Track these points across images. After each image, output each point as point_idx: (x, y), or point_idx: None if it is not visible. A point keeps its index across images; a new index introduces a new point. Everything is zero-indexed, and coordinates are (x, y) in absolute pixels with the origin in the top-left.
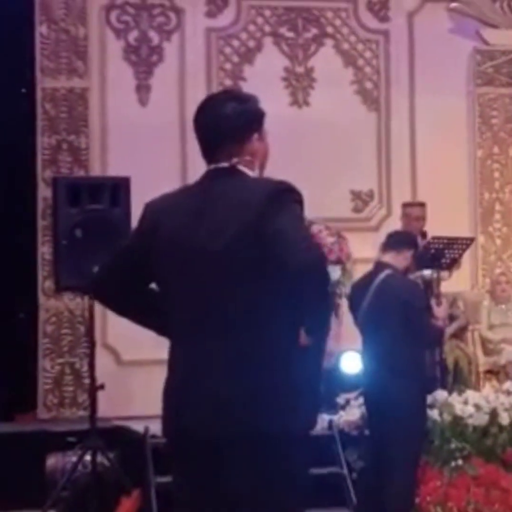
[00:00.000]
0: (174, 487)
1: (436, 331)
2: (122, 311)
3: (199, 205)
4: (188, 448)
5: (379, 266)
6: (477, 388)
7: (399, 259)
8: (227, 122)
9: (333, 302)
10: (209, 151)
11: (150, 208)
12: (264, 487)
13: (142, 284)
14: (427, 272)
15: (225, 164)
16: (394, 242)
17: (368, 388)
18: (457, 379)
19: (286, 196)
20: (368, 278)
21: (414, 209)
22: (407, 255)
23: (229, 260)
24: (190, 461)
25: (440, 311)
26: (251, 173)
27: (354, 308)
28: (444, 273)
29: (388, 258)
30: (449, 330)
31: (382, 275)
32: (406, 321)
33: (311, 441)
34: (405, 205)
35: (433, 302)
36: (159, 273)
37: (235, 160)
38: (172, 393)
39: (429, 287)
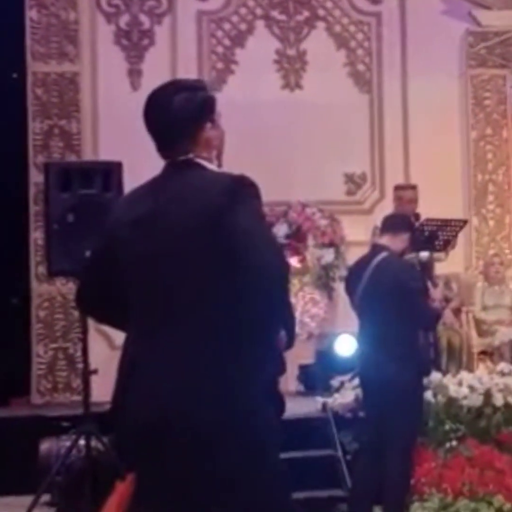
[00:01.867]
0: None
1: (433, 313)
2: (109, 321)
3: (157, 203)
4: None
5: (376, 248)
6: (471, 369)
7: (396, 242)
8: (176, 118)
9: (291, 309)
10: (163, 146)
11: (113, 212)
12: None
13: (116, 291)
14: (423, 254)
15: (181, 158)
16: (390, 224)
17: (364, 370)
18: (450, 360)
19: (245, 191)
20: (365, 260)
21: (406, 192)
22: (404, 238)
23: (186, 256)
24: (144, 453)
25: (436, 292)
26: (209, 165)
27: (350, 290)
28: (440, 255)
29: (385, 240)
30: (447, 312)
31: (378, 258)
32: (403, 303)
33: (277, 430)
34: (397, 188)
35: (429, 284)
36: (123, 274)
37: (191, 154)
38: (121, 385)
39: (426, 269)
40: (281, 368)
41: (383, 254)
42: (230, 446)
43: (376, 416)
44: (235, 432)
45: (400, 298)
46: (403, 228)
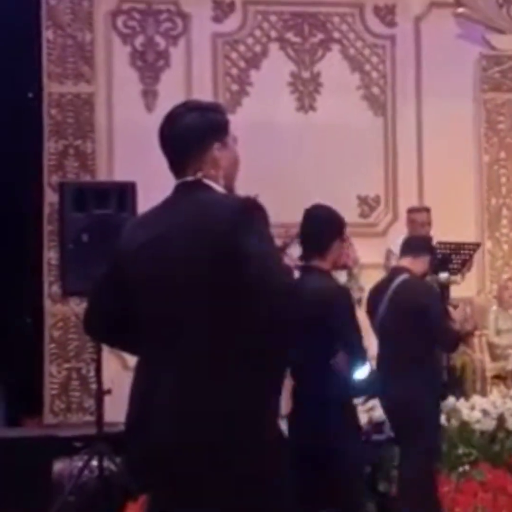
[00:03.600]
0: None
1: (454, 335)
2: (119, 346)
3: (165, 227)
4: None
5: (396, 270)
6: (484, 393)
7: (417, 264)
8: (185, 134)
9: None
10: (174, 165)
11: (123, 236)
12: None
13: (125, 316)
14: (443, 275)
15: (190, 178)
16: (411, 247)
17: (385, 392)
18: (459, 384)
19: (252, 215)
20: (385, 282)
21: (420, 215)
22: (425, 260)
23: (195, 280)
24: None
25: (457, 313)
26: (217, 187)
27: (371, 312)
28: (456, 278)
29: (406, 262)
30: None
31: (399, 279)
32: (425, 325)
33: (284, 447)
34: (411, 211)
35: (449, 306)
36: (132, 299)
37: (200, 174)
38: (135, 408)
39: (445, 290)
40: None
41: (404, 276)
42: (242, 470)
43: (397, 440)
44: (246, 455)
45: (422, 320)
46: (424, 250)
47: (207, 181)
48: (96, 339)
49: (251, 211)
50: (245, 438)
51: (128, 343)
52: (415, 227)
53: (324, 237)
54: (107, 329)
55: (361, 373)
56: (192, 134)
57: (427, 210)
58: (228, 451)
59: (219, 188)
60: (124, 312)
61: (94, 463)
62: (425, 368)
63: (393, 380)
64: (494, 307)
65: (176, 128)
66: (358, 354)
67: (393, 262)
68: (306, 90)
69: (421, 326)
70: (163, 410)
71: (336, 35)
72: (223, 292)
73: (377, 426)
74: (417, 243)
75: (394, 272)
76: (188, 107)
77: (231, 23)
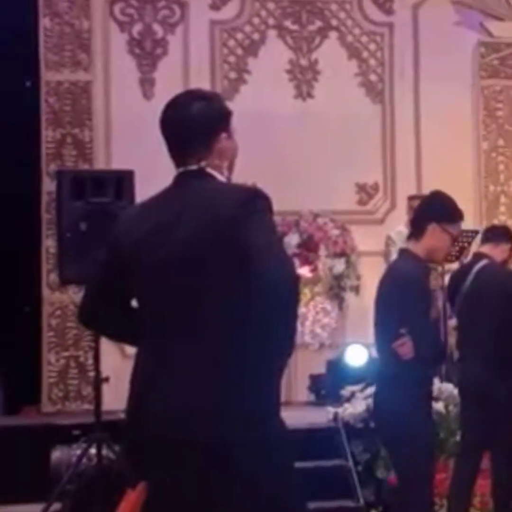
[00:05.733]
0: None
1: None
2: (115, 336)
3: (168, 215)
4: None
5: (477, 256)
6: None
7: (497, 252)
8: (193, 123)
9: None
10: (177, 154)
11: (120, 224)
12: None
13: (125, 304)
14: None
15: (193, 167)
16: (492, 235)
17: (464, 376)
18: None
19: (257, 204)
20: (466, 268)
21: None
22: (505, 248)
23: (198, 268)
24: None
25: None
26: (220, 176)
27: (451, 297)
28: (452, 265)
29: (486, 249)
30: None
31: (479, 265)
32: (509, 311)
33: (289, 441)
34: (411, 198)
35: None
36: (134, 287)
37: (203, 163)
38: (136, 399)
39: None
40: None
41: (484, 262)
42: (246, 456)
43: (476, 422)
44: (249, 441)
45: (506, 306)
46: (505, 238)
47: (210, 170)
48: (91, 328)
49: (257, 201)
50: (254, 424)
51: (124, 332)
52: None
53: (419, 222)
54: (103, 318)
55: None
56: (201, 123)
57: None
58: (234, 435)
59: (221, 177)
60: (121, 301)
61: (93, 451)
62: (506, 353)
63: (473, 364)
64: None
65: (183, 117)
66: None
67: (393, 250)
68: (304, 78)
69: (505, 311)
70: (167, 397)
71: (334, 22)
72: (227, 279)
73: None
74: (498, 231)
75: (475, 258)
76: (193, 96)
77: (229, 10)
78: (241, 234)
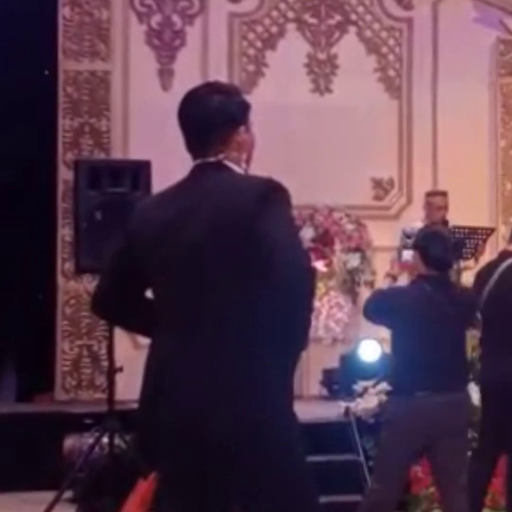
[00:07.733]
0: (164, 483)
1: None
2: (127, 326)
3: (186, 205)
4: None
5: (504, 254)
6: None
7: None
8: (213, 116)
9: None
10: (196, 146)
11: (137, 214)
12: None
13: (139, 294)
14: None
15: (212, 159)
16: None
17: (486, 372)
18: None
19: (276, 196)
20: (492, 265)
21: (437, 198)
22: None
23: (216, 259)
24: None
25: None
26: (238, 169)
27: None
28: (469, 263)
29: None
30: None
31: (506, 263)
32: None
33: (300, 432)
34: (428, 194)
35: None
36: (149, 278)
37: (222, 155)
38: (150, 389)
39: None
40: None
41: (510, 260)
42: (258, 449)
43: (496, 419)
44: (261, 434)
45: None
46: None
47: (228, 163)
48: (104, 318)
49: (276, 193)
50: (267, 417)
51: (138, 322)
52: (432, 210)
53: None
54: (117, 308)
55: None
56: (220, 117)
57: (444, 194)
58: (252, 425)
59: (239, 170)
60: (136, 291)
61: (105, 440)
62: None
63: (496, 362)
64: None
65: (203, 110)
66: None
67: (408, 242)
68: (322, 72)
69: None
70: (181, 388)
71: (353, 17)
72: (244, 270)
73: None
74: None
75: (501, 255)
76: (213, 89)
77: (249, 3)
78: (259, 226)
